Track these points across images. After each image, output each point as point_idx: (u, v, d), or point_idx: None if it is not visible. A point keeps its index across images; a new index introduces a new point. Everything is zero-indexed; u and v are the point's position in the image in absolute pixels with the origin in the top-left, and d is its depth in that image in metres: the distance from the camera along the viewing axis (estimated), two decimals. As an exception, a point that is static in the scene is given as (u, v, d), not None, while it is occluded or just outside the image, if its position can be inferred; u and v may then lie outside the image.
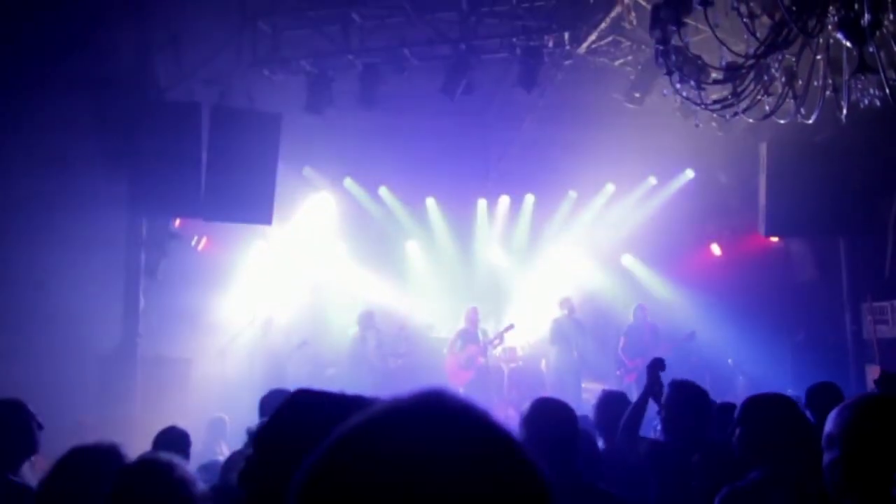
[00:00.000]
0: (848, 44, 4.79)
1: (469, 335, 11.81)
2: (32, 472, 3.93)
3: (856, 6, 4.42)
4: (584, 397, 10.61)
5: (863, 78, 4.77)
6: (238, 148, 9.40)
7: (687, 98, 5.74)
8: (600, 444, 4.43)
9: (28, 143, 8.69)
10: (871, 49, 4.56)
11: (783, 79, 5.32)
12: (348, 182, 13.08)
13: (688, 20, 5.68)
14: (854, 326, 11.05)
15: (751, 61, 4.97)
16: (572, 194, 13.51)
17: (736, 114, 5.71)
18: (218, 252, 11.23)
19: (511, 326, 11.89)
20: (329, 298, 12.51)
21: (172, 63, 9.47)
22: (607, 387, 7.61)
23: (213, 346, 10.31)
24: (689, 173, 12.87)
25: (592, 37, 8.88)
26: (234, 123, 9.42)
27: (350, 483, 0.77)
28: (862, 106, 5.03)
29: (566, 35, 9.20)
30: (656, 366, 4.50)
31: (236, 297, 11.36)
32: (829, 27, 4.86)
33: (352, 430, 0.82)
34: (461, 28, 9.45)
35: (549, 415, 3.26)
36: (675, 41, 5.07)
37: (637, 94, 9.32)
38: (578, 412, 4.73)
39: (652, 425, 6.52)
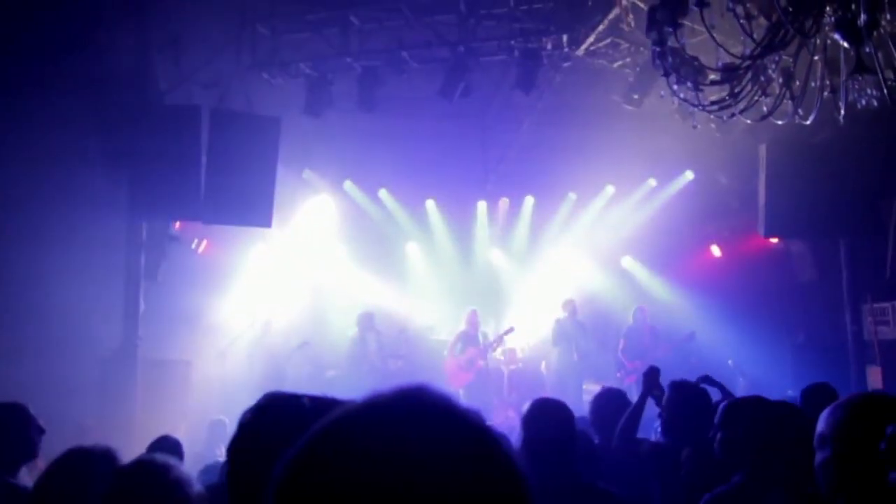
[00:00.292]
0: (845, 44, 4.79)
1: (469, 337, 11.81)
2: (31, 477, 3.94)
3: (852, 6, 4.42)
4: (585, 399, 10.61)
5: (860, 78, 4.77)
6: (237, 151, 9.41)
7: (684, 100, 5.75)
8: (595, 440, 4.43)
9: (28, 145, 8.70)
10: (867, 49, 4.56)
11: (780, 80, 5.33)
12: (348, 184, 13.09)
13: (685, 21, 5.69)
14: (854, 327, 11.03)
15: (747, 62, 4.97)
16: (572, 196, 13.52)
17: (733, 115, 5.72)
18: (218, 255, 11.25)
19: (511, 329, 11.90)
20: (329, 300, 12.52)
21: (172, 66, 9.48)
22: (611, 386, 7.61)
23: (213, 348, 10.32)
24: (689, 175, 12.87)
25: (590, 39, 8.89)
26: (234, 126, 9.44)
27: (328, 476, 0.77)
28: (859, 106, 5.03)
29: (564, 37, 9.21)
30: (653, 374, 4.52)
31: (236, 299, 11.38)
32: (827, 28, 4.86)
33: (331, 424, 0.82)
34: (459, 30, 9.47)
35: (547, 415, 3.27)
36: (671, 43, 5.07)
37: (636, 96, 9.33)
38: (579, 414, 4.74)
39: (652, 427, 6.52)
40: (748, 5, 4.79)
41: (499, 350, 12.01)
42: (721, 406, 3.23)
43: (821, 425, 2.11)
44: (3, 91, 8.39)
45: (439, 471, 0.77)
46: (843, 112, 5.34)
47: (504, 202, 13.84)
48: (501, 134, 12.43)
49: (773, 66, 5.28)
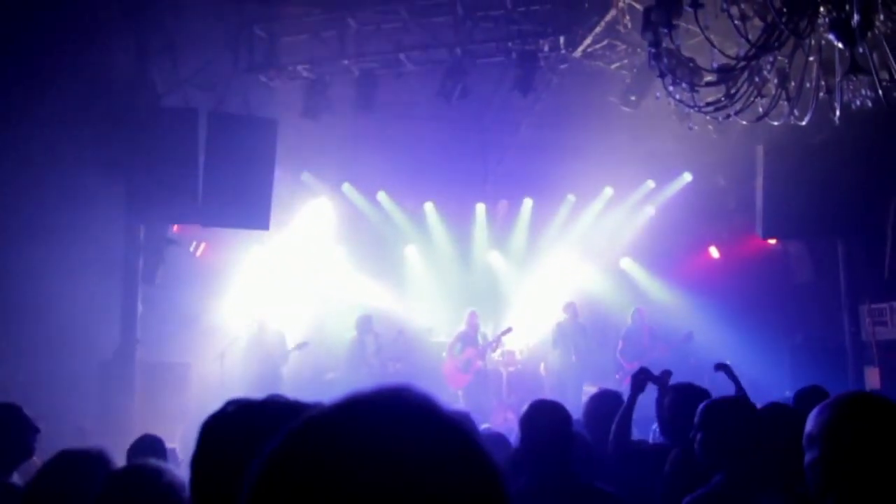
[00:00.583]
0: (840, 45, 4.80)
1: (468, 339, 11.82)
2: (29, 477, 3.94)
3: (846, 7, 4.43)
4: (584, 400, 10.60)
5: (854, 79, 4.78)
6: (235, 153, 9.43)
7: (680, 101, 5.76)
8: (589, 441, 4.44)
9: (26, 148, 8.72)
10: (860, 50, 4.57)
11: (776, 80, 5.34)
12: (346, 187, 13.09)
13: (682, 23, 5.71)
14: (852, 328, 11.04)
15: (742, 63, 4.98)
16: (571, 198, 13.52)
17: (729, 116, 5.73)
18: (216, 257, 11.25)
19: (510, 330, 11.90)
20: (328, 303, 12.51)
21: (169, 69, 9.49)
22: (608, 387, 7.61)
23: (211, 350, 10.31)
24: (687, 176, 12.88)
25: (587, 41, 8.91)
26: (231, 129, 9.46)
27: (305, 471, 0.78)
28: (854, 107, 5.04)
29: (561, 39, 9.22)
30: (641, 374, 4.54)
31: (234, 301, 11.38)
32: (822, 28, 4.87)
33: (309, 420, 0.83)
34: (456, 33, 9.48)
35: (545, 416, 3.28)
36: (666, 44, 5.08)
37: (633, 98, 9.34)
38: (578, 416, 4.74)
39: (651, 428, 6.53)
40: (743, 6, 4.80)
41: (498, 351, 12.01)
42: (700, 407, 3.23)
43: (809, 425, 2.11)
44: (2, 93, 8.41)
45: (416, 468, 0.77)
46: (838, 113, 5.35)
47: (503, 204, 13.84)
48: (499, 136, 12.44)
49: (769, 66, 5.29)
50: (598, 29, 8.76)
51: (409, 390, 0.86)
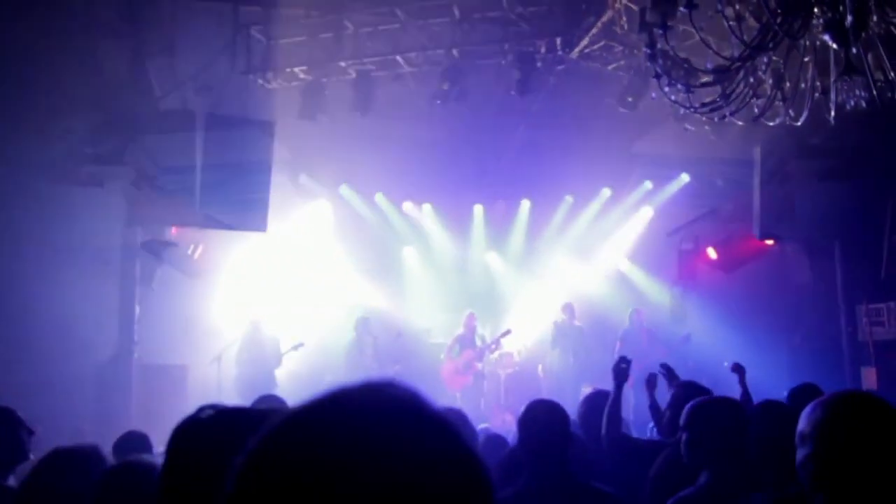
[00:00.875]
0: (834, 46, 4.81)
1: (466, 340, 11.82)
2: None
3: (840, 8, 4.44)
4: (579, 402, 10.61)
5: (848, 79, 4.79)
6: (232, 155, 9.45)
7: (676, 102, 5.77)
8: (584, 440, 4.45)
9: (23, 151, 8.72)
10: (854, 51, 4.58)
11: (771, 81, 5.35)
12: (344, 189, 13.10)
13: (679, 23, 5.71)
14: (850, 328, 11.05)
15: (737, 64, 5.00)
16: (568, 199, 13.53)
17: (724, 116, 5.74)
18: (214, 260, 11.24)
19: (508, 332, 11.90)
20: (326, 305, 12.51)
21: (167, 71, 9.50)
22: (606, 389, 7.62)
23: (209, 352, 10.31)
24: (685, 177, 12.88)
25: (584, 42, 8.92)
26: (228, 131, 9.46)
27: (289, 464, 0.78)
28: (848, 107, 5.05)
29: (558, 40, 9.23)
30: (622, 365, 4.59)
31: (232, 303, 11.38)
32: (818, 29, 4.88)
33: (294, 414, 0.84)
34: (453, 34, 9.49)
35: (543, 416, 3.29)
36: (661, 45, 5.09)
37: (630, 99, 9.36)
38: (575, 416, 4.75)
39: (648, 426, 6.54)
40: (738, 7, 4.81)
41: (496, 353, 12.02)
42: (686, 407, 3.24)
43: (801, 423, 2.12)
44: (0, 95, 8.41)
45: (401, 463, 0.78)
46: (833, 113, 5.36)
47: (500, 205, 13.84)
48: (497, 137, 12.43)
49: (764, 66, 5.30)
50: (594, 30, 8.77)
51: (395, 385, 0.86)
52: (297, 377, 10.76)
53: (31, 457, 3.59)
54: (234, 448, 0.84)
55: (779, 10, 4.64)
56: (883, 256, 10.70)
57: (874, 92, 4.88)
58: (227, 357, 10.22)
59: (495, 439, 5.24)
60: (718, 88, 5.75)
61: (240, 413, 1.59)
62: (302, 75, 10.02)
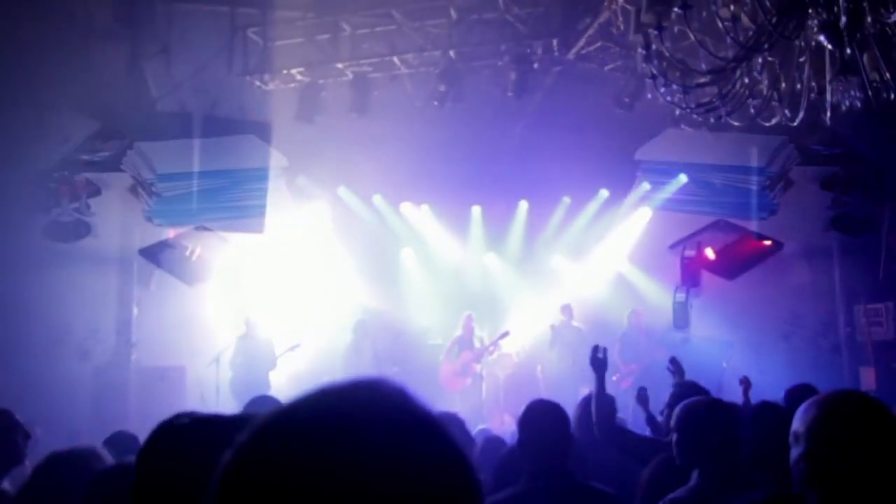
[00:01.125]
0: (829, 46, 4.82)
1: (465, 342, 11.82)
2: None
3: (835, 9, 4.45)
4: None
5: (843, 80, 4.80)
6: (230, 157, 9.46)
7: (672, 102, 5.77)
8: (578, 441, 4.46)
9: (20, 154, 8.72)
10: (848, 51, 4.59)
11: (766, 81, 5.35)
12: (342, 190, 13.08)
13: (675, 24, 5.71)
14: (848, 328, 11.07)
15: (733, 64, 5.00)
16: (566, 200, 13.51)
17: (720, 117, 5.74)
18: (211, 261, 11.24)
19: (506, 333, 11.90)
20: (324, 306, 12.50)
21: (164, 73, 9.51)
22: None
23: (207, 353, 10.31)
24: (683, 178, 12.88)
25: (581, 43, 8.92)
26: (226, 133, 9.48)
27: (277, 459, 0.78)
28: (843, 108, 5.05)
29: (555, 41, 9.24)
30: (599, 354, 4.59)
31: (230, 304, 11.36)
32: (814, 29, 4.88)
33: (283, 410, 0.84)
34: (450, 36, 9.50)
35: (543, 416, 3.30)
36: (657, 45, 5.10)
37: (627, 99, 9.37)
38: (572, 419, 4.74)
39: (644, 431, 6.53)
40: (733, 7, 4.82)
41: (495, 354, 12.02)
42: (677, 408, 3.25)
43: (795, 423, 2.12)
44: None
45: (386, 461, 0.78)
46: (829, 114, 5.36)
47: (498, 206, 13.83)
48: (494, 138, 12.44)
49: (759, 67, 5.30)
50: (591, 31, 8.78)
51: (383, 384, 0.86)
52: (295, 379, 10.75)
53: (27, 462, 3.59)
54: (207, 456, 0.84)
55: (773, 11, 4.65)
56: (881, 256, 10.72)
57: (869, 92, 4.88)
58: (226, 359, 10.22)
59: (494, 441, 5.25)
60: (715, 89, 5.76)
61: (215, 421, 1.57)
62: (299, 77, 10.03)
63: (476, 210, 13.70)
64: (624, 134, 10.93)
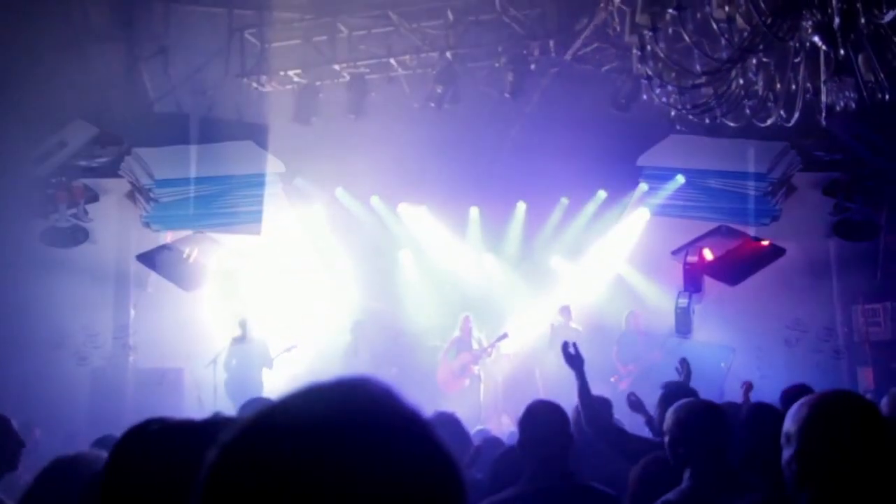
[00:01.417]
0: (824, 47, 4.83)
1: (463, 343, 11.82)
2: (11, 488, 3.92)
3: (829, 10, 4.46)
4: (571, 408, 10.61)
5: (838, 80, 4.81)
6: (227, 163, 9.47)
7: (667, 103, 5.78)
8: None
9: (21, 160, 8.73)
10: (842, 51, 4.60)
11: (761, 82, 5.36)
12: (340, 192, 13.08)
13: (670, 25, 5.72)
14: (845, 329, 11.07)
15: (727, 65, 5.01)
16: (564, 201, 13.51)
17: (716, 118, 5.75)
18: (208, 262, 11.23)
19: (505, 335, 11.90)
20: (321, 308, 12.50)
21: (161, 75, 9.51)
22: (601, 394, 7.63)
23: (204, 354, 10.30)
24: (680, 179, 12.88)
25: (577, 44, 8.94)
26: (223, 134, 9.48)
27: (261, 456, 0.79)
28: (838, 108, 5.06)
29: (551, 43, 9.25)
30: (571, 350, 4.61)
31: (227, 306, 11.35)
32: (808, 30, 4.89)
33: (269, 409, 0.85)
34: (447, 37, 9.50)
35: (543, 417, 3.31)
36: (652, 46, 5.10)
37: (623, 100, 9.38)
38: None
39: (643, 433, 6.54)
40: (727, 8, 4.82)
41: (492, 356, 12.01)
42: (671, 409, 3.25)
43: (787, 423, 2.13)
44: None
45: (369, 460, 0.78)
46: (824, 114, 5.37)
47: (496, 208, 13.83)
48: (491, 139, 12.44)
49: (754, 68, 5.31)
50: (587, 32, 8.79)
51: (368, 382, 0.87)
52: (293, 380, 10.71)
53: (18, 469, 3.57)
54: (176, 463, 0.84)
55: (768, 13, 4.66)
56: (879, 257, 10.73)
57: (864, 93, 4.89)
58: (221, 361, 10.21)
59: (492, 441, 5.26)
60: (710, 90, 5.77)
61: (185, 428, 1.55)
62: (296, 78, 10.03)
63: (474, 211, 13.70)
64: (622, 135, 10.93)
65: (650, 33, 4.91)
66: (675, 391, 4.33)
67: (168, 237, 10.50)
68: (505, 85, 9.48)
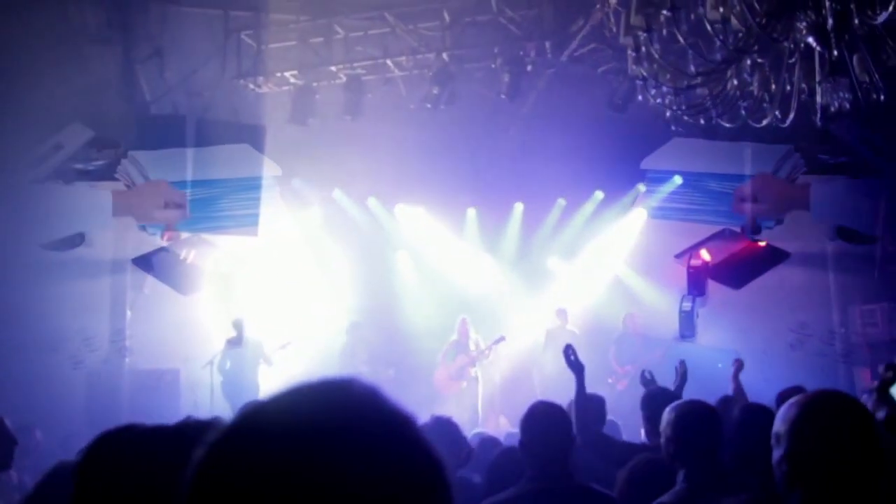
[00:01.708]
0: (818, 48, 4.83)
1: (460, 346, 11.82)
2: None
3: (822, 11, 4.47)
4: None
5: (832, 81, 4.82)
6: (224, 160, 9.46)
7: (663, 104, 5.79)
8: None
9: (17, 163, 8.73)
10: (836, 52, 4.61)
11: (757, 82, 5.37)
12: (337, 193, 13.08)
13: (665, 26, 5.73)
14: (843, 329, 11.07)
15: (721, 66, 5.02)
16: (561, 202, 13.51)
17: (712, 118, 5.76)
18: (205, 264, 11.22)
19: (502, 338, 11.88)
20: (318, 309, 12.49)
21: (157, 76, 9.51)
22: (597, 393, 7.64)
23: (201, 355, 10.29)
24: (678, 179, 12.87)
25: (574, 44, 8.95)
26: (219, 136, 9.48)
27: (247, 455, 0.79)
28: (833, 109, 5.07)
29: (548, 44, 9.26)
30: (571, 354, 4.62)
31: (223, 307, 11.34)
32: (802, 31, 4.90)
33: (254, 409, 0.85)
34: (444, 38, 9.51)
35: (544, 417, 3.31)
36: (646, 47, 5.11)
37: (619, 101, 9.39)
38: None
39: (640, 432, 6.54)
40: (722, 10, 4.83)
41: (490, 358, 12.01)
42: (666, 411, 3.26)
43: (776, 424, 2.13)
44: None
45: (353, 461, 0.78)
46: (819, 115, 5.38)
47: (494, 209, 13.83)
48: (488, 140, 12.44)
49: (749, 69, 5.32)
50: (583, 33, 8.80)
51: (354, 383, 0.87)
52: (291, 381, 10.71)
53: (12, 468, 3.57)
54: (147, 468, 0.84)
55: (762, 14, 4.66)
56: (877, 257, 10.73)
57: (858, 93, 4.90)
58: (216, 362, 10.19)
59: (490, 441, 5.27)
60: (706, 91, 5.77)
61: (157, 434, 1.53)
62: (292, 80, 10.04)
63: (471, 212, 13.70)
64: (619, 135, 10.93)
65: (645, 34, 4.91)
66: (656, 394, 4.40)
67: (165, 237, 10.49)
68: (501, 86, 9.48)
